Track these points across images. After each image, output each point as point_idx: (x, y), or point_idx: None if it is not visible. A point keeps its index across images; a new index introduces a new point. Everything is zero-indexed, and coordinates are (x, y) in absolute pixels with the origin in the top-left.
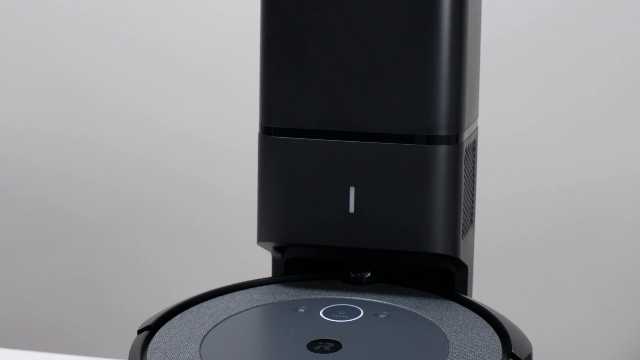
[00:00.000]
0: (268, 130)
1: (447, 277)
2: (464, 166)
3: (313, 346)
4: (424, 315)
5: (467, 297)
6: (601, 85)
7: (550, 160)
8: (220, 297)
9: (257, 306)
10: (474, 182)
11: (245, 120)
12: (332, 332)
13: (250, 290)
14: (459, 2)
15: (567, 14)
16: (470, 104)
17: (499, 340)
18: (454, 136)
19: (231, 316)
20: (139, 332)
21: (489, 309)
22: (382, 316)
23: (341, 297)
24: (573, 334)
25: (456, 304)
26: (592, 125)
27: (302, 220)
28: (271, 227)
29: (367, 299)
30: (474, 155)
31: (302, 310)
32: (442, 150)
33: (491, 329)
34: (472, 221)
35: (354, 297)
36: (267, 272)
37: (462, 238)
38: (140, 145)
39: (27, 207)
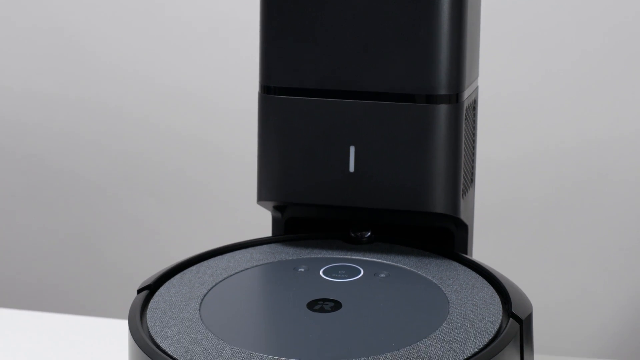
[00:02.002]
0: (268, 90)
1: (448, 237)
2: (464, 125)
3: (313, 305)
4: (424, 274)
5: (468, 256)
6: (601, 43)
7: (551, 120)
8: (220, 257)
9: (256, 265)
10: (474, 141)
11: (245, 79)
12: (332, 291)
13: (250, 249)
14: None
15: None
16: (470, 63)
17: (499, 299)
18: (454, 95)
19: (231, 275)
20: (139, 291)
21: (489, 269)
22: (382, 275)
23: (341, 256)
24: (573, 294)
25: (456, 264)
26: (593, 84)
27: (302, 179)
28: (271, 187)
29: (367, 259)
30: (474, 115)
31: (302, 270)
32: (443, 109)
33: (491, 288)
34: (472, 181)
35: (354, 257)
36: (267, 231)
37: (463, 197)
38: (140, 105)
39: (26, 166)
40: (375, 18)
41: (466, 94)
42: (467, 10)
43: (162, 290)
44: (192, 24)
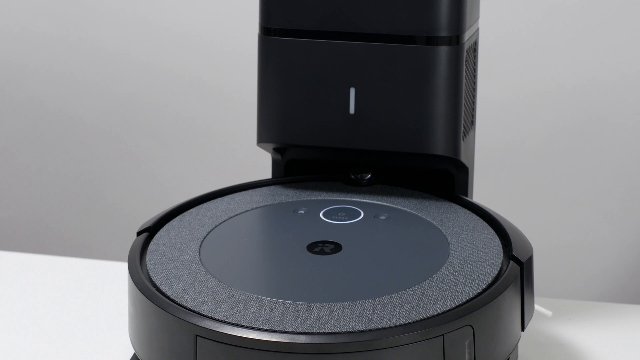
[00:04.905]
0: (268, 31)
1: (448, 179)
2: (464, 67)
3: (313, 248)
4: (424, 216)
5: (468, 198)
6: None
7: (551, 61)
8: (219, 199)
9: (256, 208)
10: (474, 83)
11: (245, 20)
12: (332, 233)
13: (250, 191)
14: None
15: None
16: (471, 4)
17: (499, 242)
18: (455, 37)
19: (231, 218)
20: (138, 234)
21: (489, 211)
22: (382, 218)
23: (341, 198)
24: (574, 237)
25: (457, 206)
26: (593, 25)
27: (302, 121)
28: (271, 128)
29: (367, 201)
30: (475, 57)
31: (302, 212)
32: (443, 51)
33: (492, 231)
34: (472, 123)
35: (354, 199)
36: (267, 173)
37: (463, 139)
38: (140, 47)
39: (26, 109)
40: None
41: (467, 35)
42: None
43: (162, 232)
44: None
